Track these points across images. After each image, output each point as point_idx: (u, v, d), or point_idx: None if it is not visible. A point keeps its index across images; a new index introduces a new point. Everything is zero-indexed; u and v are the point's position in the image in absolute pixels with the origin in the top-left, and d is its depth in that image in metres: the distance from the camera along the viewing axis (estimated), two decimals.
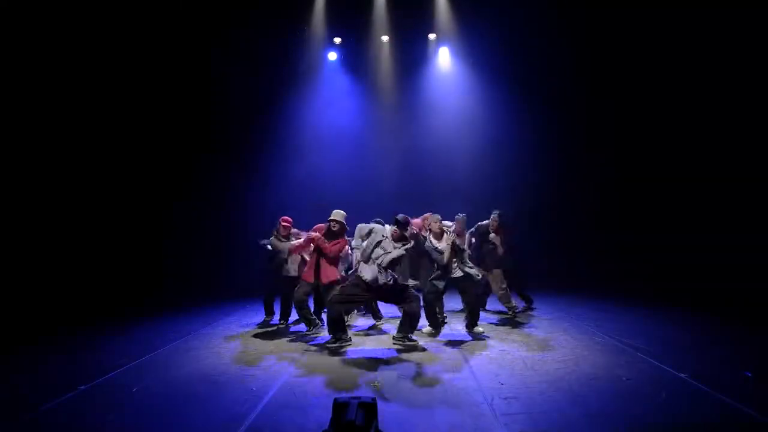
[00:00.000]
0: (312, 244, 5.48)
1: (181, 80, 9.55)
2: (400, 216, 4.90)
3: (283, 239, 6.15)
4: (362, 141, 10.51)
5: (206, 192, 9.96)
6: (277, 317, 6.41)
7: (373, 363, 4.40)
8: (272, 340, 5.43)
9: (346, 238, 5.60)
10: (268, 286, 6.36)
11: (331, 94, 10.62)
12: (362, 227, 5.08)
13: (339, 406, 1.87)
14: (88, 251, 8.81)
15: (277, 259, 6.13)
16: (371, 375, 4.02)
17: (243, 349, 4.98)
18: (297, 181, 10.08)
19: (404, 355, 4.63)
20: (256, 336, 5.63)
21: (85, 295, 8.05)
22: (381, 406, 2.40)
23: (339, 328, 4.84)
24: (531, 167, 9.88)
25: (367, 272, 4.79)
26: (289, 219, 6.29)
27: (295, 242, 5.92)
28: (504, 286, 6.26)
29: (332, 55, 10.59)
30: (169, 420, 3.20)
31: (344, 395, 2.01)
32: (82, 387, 3.83)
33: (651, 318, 6.02)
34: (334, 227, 5.40)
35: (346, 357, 4.63)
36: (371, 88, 10.71)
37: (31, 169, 8.37)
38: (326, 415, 2.07)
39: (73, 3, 8.28)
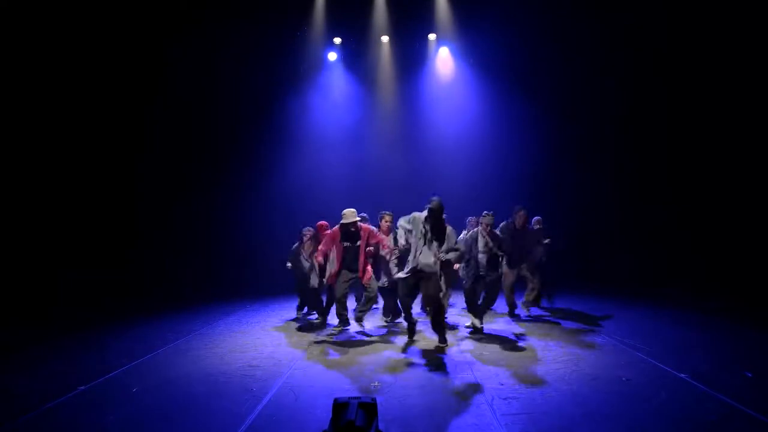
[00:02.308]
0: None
1: (181, 80, 9.54)
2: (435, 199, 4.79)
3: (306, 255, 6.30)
4: (362, 141, 10.51)
5: (205, 192, 9.97)
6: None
7: (374, 363, 4.39)
8: (272, 340, 5.42)
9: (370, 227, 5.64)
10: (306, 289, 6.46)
11: (331, 94, 10.62)
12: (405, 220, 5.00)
13: (339, 406, 1.87)
14: (87, 251, 8.81)
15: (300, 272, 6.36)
16: (371, 375, 4.02)
17: (243, 349, 4.98)
18: (296, 181, 10.10)
19: (404, 355, 4.63)
20: (256, 336, 5.63)
21: (84, 295, 8.05)
22: (381, 406, 2.40)
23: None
24: (530, 166, 9.87)
25: (426, 258, 4.73)
26: (325, 224, 6.28)
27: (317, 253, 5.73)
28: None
29: (332, 55, 10.58)
30: (169, 420, 3.20)
31: (344, 395, 2.01)
32: (82, 387, 3.83)
33: (651, 318, 6.02)
34: (352, 229, 5.40)
35: (346, 357, 4.63)
36: (371, 88, 10.71)
37: (35, 171, 8.39)
38: (326, 415, 2.07)
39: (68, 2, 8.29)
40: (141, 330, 6.07)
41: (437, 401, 3.39)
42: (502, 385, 3.69)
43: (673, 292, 7.58)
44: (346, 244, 5.42)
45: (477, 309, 5.56)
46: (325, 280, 5.71)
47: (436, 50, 10.64)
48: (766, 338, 4.89)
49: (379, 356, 4.62)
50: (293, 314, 6.81)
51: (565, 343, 4.92)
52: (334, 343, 5.20)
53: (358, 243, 5.41)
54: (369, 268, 5.51)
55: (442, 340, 4.92)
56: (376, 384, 3.76)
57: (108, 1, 8.54)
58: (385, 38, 10.47)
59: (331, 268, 5.53)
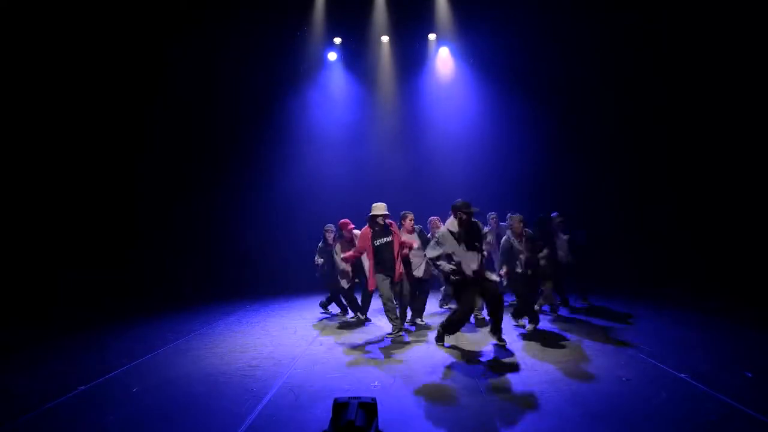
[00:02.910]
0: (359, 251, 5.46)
1: (181, 80, 9.54)
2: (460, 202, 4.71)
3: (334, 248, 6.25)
4: (362, 141, 10.51)
5: (205, 192, 9.97)
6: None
7: (374, 363, 4.40)
8: (272, 340, 5.43)
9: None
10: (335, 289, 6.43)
11: (331, 94, 10.62)
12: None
13: (339, 406, 1.87)
14: (87, 251, 8.81)
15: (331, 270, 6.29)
16: (371, 375, 4.02)
17: (243, 349, 4.98)
18: (296, 181, 10.10)
19: (404, 356, 4.63)
20: (256, 336, 5.63)
21: (84, 295, 8.05)
22: (381, 406, 2.40)
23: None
24: (530, 165, 9.86)
25: (471, 263, 4.67)
26: (348, 221, 6.23)
27: (347, 254, 5.64)
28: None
29: (332, 55, 10.58)
30: (169, 420, 3.20)
31: (344, 395, 2.01)
32: (82, 387, 3.83)
33: (651, 318, 6.01)
34: (382, 221, 5.29)
35: (346, 357, 4.63)
36: (371, 88, 10.71)
37: (35, 171, 8.39)
38: (326, 415, 2.07)
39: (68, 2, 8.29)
40: (141, 330, 6.07)
41: (437, 401, 3.39)
42: (503, 384, 3.69)
43: (673, 292, 7.58)
44: (377, 242, 5.28)
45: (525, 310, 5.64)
46: (368, 287, 5.54)
47: (436, 50, 10.63)
48: (766, 338, 4.88)
49: (379, 356, 4.62)
50: (295, 314, 6.81)
51: (565, 343, 4.92)
52: (334, 343, 5.20)
53: (390, 239, 5.27)
54: (401, 268, 5.37)
55: (501, 338, 4.92)
56: (376, 384, 3.76)
57: (108, 1, 8.54)
58: (385, 38, 10.46)
59: (368, 271, 5.41)
